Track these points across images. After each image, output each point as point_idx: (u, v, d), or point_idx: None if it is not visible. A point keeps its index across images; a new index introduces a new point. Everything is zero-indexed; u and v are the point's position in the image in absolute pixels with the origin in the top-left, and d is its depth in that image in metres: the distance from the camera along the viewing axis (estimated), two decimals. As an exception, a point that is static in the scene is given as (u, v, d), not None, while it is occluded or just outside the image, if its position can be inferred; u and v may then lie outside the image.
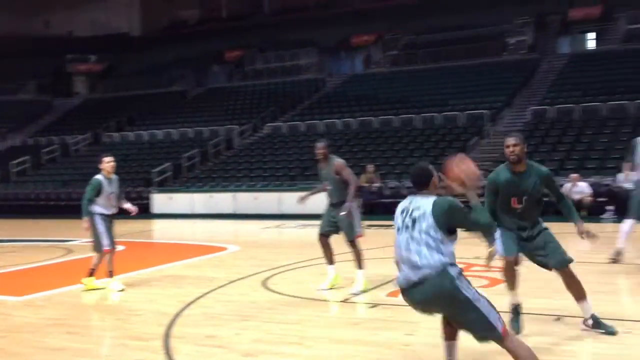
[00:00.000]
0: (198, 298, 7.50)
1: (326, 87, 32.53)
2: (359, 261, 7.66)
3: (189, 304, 7.16)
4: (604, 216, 15.58)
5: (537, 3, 31.86)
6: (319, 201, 20.37)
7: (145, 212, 22.42)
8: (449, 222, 3.98)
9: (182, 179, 25.15)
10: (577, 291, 5.45)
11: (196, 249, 12.69)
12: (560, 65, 28.28)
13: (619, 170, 16.13)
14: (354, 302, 7.13)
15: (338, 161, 7.70)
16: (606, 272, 8.72)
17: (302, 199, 8.11)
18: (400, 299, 7.14)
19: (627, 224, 9.07)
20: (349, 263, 7.98)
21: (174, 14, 46.76)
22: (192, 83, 36.56)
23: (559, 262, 5.40)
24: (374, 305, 6.88)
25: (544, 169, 5.46)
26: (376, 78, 31.36)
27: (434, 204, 4.01)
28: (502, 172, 5.43)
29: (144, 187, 24.11)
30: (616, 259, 9.13)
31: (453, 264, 3.97)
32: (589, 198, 16.03)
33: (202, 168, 26.03)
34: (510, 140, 5.37)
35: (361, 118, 26.30)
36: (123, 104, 35.18)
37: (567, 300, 5.77)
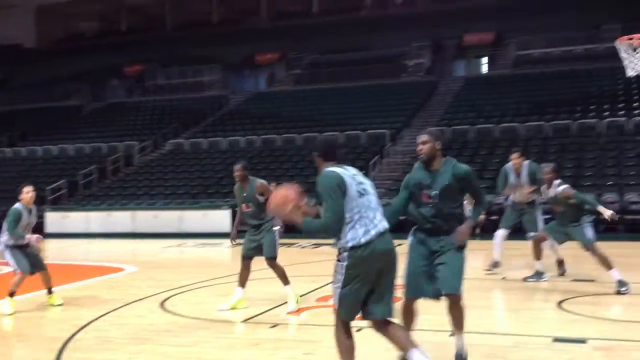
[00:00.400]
0: (92, 321, 7.22)
1: (229, 105, 32.39)
2: (284, 278, 7.67)
3: (82, 328, 6.88)
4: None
5: (434, 27, 33.13)
6: (220, 219, 20.17)
7: (37, 232, 21.44)
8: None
9: (77, 197, 24.25)
10: (458, 322, 5.08)
11: (91, 270, 12.24)
12: (456, 87, 29.46)
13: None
14: (255, 323, 7.08)
15: (260, 182, 7.72)
16: (489, 288, 9.10)
17: (233, 238, 7.97)
18: (301, 317, 7.19)
19: (499, 234, 9.92)
20: (251, 282, 7.92)
21: (71, 26, 45.29)
22: (89, 97, 35.44)
23: (450, 288, 4.89)
24: (274, 325, 6.85)
25: (462, 167, 5.00)
26: (280, 96, 31.54)
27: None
28: (416, 170, 5.15)
29: (37, 206, 23.01)
30: (491, 269, 10.00)
31: None
32: (482, 216, 16.66)
33: (99, 185, 25.20)
34: (420, 138, 5.04)
35: (265, 136, 26.33)
36: (16, 118, 33.60)
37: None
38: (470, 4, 33.66)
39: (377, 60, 32.58)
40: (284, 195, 4.27)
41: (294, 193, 4.26)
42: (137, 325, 7.05)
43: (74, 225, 21.50)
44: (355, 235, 4.20)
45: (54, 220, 21.84)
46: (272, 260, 7.68)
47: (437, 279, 4.90)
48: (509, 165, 9.69)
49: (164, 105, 32.89)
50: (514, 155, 9.64)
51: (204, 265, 13.19)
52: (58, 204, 23.41)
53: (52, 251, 17.82)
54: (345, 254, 4.22)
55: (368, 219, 4.27)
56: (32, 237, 8.08)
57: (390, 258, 4.31)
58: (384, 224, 4.34)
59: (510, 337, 6.23)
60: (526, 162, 9.64)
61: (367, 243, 4.20)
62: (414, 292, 5.01)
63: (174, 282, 9.98)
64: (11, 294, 7.85)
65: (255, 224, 7.76)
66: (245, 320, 7.15)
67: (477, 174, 20.14)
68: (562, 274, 9.52)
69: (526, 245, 9.65)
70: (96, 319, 7.36)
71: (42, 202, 23.27)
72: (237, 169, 7.78)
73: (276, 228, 7.77)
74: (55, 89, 35.47)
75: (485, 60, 33.45)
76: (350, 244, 4.20)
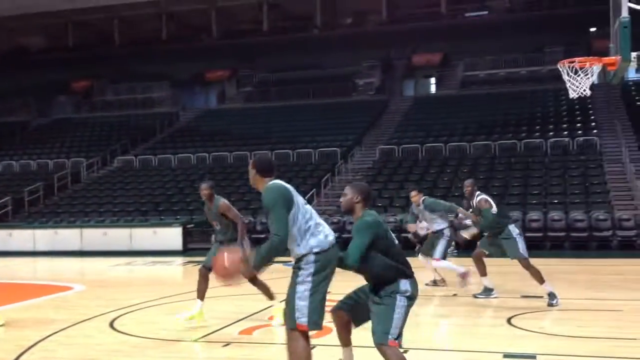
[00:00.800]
0: (38, 342, 7.02)
1: (180, 121, 32.12)
2: (268, 294, 7.66)
3: (27, 349, 6.68)
4: (448, 251, 16.42)
5: (384, 48, 33.61)
6: (171, 237, 19.85)
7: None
8: None
9: (23, 214, 23.60)
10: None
11: (37, 289, 11.90)
12: (405, 107, 29.90)
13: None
14: (207, 342, 7.00)
15: (223, 202, 7.73)
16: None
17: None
18: (253, 335, 7.15)
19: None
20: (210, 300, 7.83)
21: (14, 40, 44.29)
22: (34, 113, 34.65)
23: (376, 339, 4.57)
24: (227, 344, 6.79)
25: (366, 219, 4.70)
26: (230, 114, 31.44)
27: None
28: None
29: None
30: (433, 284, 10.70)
31: None
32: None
33: (46, 202, 24.59)
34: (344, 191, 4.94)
35: (215, 153, 26.18)
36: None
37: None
38: (419, 26, 34.32)
39: (327, 79, 32.83)
40: (226, 267, 4.38)
41: (233, 258, 4.37)
42: (86, 345, 6.89)
43: (19, 243, 20.84)
44: (319, 241, 4.37)
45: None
46: (254, 278, 7.66)
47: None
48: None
49: (112, 121, 32.40)
50: (413, 193, 10.73)
51: (154, 283, 12.98)
52: (2, 222, 22.74)
53: (-5, 270, 17.27)
54: (311, 259, 4.32)
55: (322, 225, 4.46)
56: None
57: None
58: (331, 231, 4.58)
59: (461, 353, 6.32)
60: (424, 198, 10.65)
61: (332, 246, 4.40)
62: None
63: (124, 301, 9.79)
64: None
65: (220, 240, 7.78)
66: (197, 340, 7.06)
67: (428, 192, 20.45)
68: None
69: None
70: (43, 339, 7.16)
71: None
72: (203, 188, 7.84)
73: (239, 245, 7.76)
74: (-1, 104, 34.59)
75: (433, 80, 34.08)
76: (316, 250, 4.34)
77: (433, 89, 33.94)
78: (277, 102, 31.43)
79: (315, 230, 4.39)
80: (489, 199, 9.08)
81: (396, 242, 4.80)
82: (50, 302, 10.36)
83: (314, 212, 4.53)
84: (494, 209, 8.91)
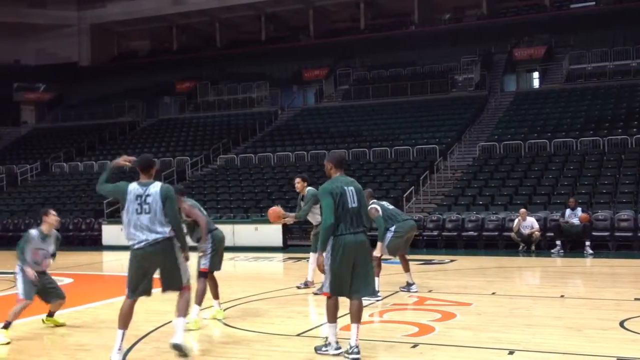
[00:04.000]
0: (150, 332, 7.32)
1: (278, 120, 32.66)
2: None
3: (140, 339, 6.99)
4: (553, 251, 15.91)
5: (484, 42, 32.85)
6: (271, 234, 20.06)
7: (95, 244, 21.90)
8: (166, 206, 5.93)
9: (131, 211, 24.67)
10: None
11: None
12: (507, 102, 29.08)
13: (565, 205, 16.61)
14: (310, 337, 7.06)
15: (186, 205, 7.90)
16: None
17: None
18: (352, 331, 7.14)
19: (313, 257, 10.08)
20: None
21: (124, 45, 46.48)
22: (142, 114, 36.22)
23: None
24: (327, 339, 6.80)
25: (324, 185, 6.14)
26: (328, 112, 31.66)
27: (160, 189, 5.97)
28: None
29: (94, 219, 23.58)
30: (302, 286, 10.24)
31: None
32: (538, 233, 16.36)
33: (153, 200, 25.61)
34: None
35: (313, 151, 26.44)
36: (72, 134, 34.58)
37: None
38: (521, 19, 33.34)
39: (425, 75, 32.45)
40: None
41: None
42: (196, 336, 7.12)
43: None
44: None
45: (110, 233, 21.98)
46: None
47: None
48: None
49: (214, 121, 33.38)
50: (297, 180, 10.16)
51: (256, 278, 13.27)
52: (114, 217, 23.88)
53: (109, 263, 18.18)
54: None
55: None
56: (28, 271, 7.48)
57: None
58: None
59: (572, 356, 6.07)
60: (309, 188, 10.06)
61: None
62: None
63: (229, 294, 10.02)
64: (6, 326, 7.22)
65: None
66: (299, 334, 7.15)
67: (531, 190, 19.89)
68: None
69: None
70: (154, 329, 7.47)
71: (98, 216, 23.85)
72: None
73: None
74: (110, 106, 36.38)
75: (535, 75, 32.98)
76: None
77: (536, 83, 32.85)
78: (374, 100, 31.37)
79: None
80: (379, 207, 9.35)
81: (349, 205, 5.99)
82: (159, 295, 10.74)
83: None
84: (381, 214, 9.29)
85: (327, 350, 6.09)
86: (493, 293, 9.79)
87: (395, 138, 26.14)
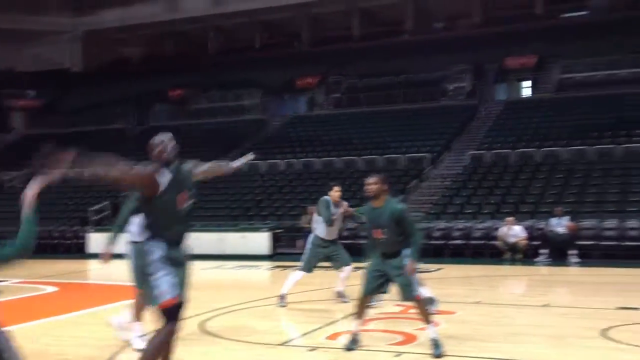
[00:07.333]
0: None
1: (269, 128, 32.67)
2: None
3: (118, 351, 6.96)
4: (538, 259, 15.98)
5: (475, 51, 32.98)
6: (259, 242, 20.07)
7: (80, 252, 21.82)
8: None
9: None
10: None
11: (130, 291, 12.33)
12: (497, 111, 29.19)
13: (552, 214, 16.70)
14: (294, 346, 7.06)
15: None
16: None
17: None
18: (338, 341, 7.16)
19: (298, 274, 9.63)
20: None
21: (116, 51, 46.42)
22: (133, 121, 36.15)
23: (405, 297, 6.57)
24: (313, 349, 6.82)
25: (398, 206, 6.57)
26: (319, 120, 31.70)
27: None
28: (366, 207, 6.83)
29: (80, 227, 23.52)
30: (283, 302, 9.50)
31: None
32: (524, 241, 16.43)
33: (142, 207, 25.55)
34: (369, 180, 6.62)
35: (304, 159, 26.45)
36: (62, 141, 34.36)
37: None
38: (512, 28, 33.47)
39: (417, 83, 32.53)
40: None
41: None
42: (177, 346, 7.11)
43: (117, 246, 21.72)
44: None
45: (96, 241, 22.02)
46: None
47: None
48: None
49: (205, 128, 33.34)
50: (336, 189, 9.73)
51: (243, 287, 13.26)
52: (101, 225, 23.83)
53: (95, 272, 18.11)
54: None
55: None
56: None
57: None
58: None
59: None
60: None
61: None
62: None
63: (213, 303, 10.01)
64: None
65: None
66: (284, 343, 7.14)
67: (518, 199, 19.96)
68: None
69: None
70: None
71: (84, 224, 23.79)
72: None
73: None
74: (101, 113, 36.31)
75: (526, 84, 33.11)
76: None
77: (527, 92, 32.98)
78: (365, 108, 31.41)
79: None
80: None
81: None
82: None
83: None
84: None
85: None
86: (478, 302, 9.82)
87: (385, 146, 26.19)
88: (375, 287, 6.71)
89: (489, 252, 17.15)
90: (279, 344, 7.14)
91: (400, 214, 6.44)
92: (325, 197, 9.53)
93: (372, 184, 6.53)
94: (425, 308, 6.63)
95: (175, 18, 41.73)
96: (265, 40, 42.70)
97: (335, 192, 9.50)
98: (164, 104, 37.27)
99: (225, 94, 36.01)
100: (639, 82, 27.60)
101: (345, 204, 9.58)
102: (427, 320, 6.52)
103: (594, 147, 22.54)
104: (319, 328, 7.78)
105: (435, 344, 6.38)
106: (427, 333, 6.51)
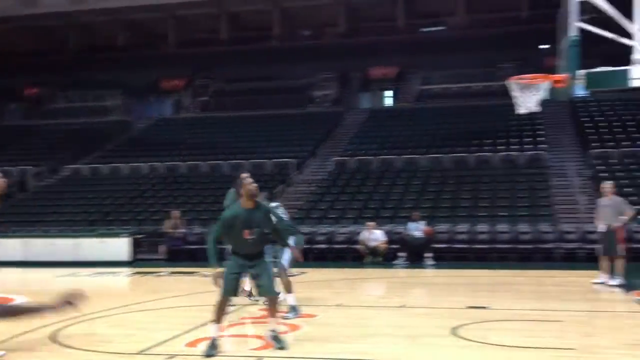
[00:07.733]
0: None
1: (133, 130, 31.68)
2: None
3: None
4: (396, 262, 16.61)
5: (340, 60, 33.79)
6: (118, 247, 19.34)
7: None
8: None
9: (-34, 223, 22.90)
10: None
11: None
12: (361, 119, 30.08)
13: (410, 219, 17.44)
14: (152, 354, 6.87)
15: None
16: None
17: None
18: (198, 348, 7.04)
19: None
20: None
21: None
22: (-18, 120, 33.78)
23: (266, 292, 6.82)
24: (171, 357, 6.67)
25: (269, 204, 7.17)
26: (185, 123, 31.19)
27: None
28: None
29: None
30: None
31: None
32: (384, 245, 17.02)
33: (-10, 211, 23.93)
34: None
35: (168, 163, 25.89)
36: None
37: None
38: (376, 40, 34.60)
39: (284, 90, 32.85)
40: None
41: None
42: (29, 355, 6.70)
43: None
44: None
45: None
46: None
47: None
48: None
49: (63, 129, 31.75)
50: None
51: (100, 295, 12.69)
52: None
53: None
54: None
55: None
56: None
57: None
58: None
59: (405, 363, 6.31)
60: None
61: None
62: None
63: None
64: None
65: None
66: (141, 352, 6.94)
67: (379, 204, 20.67)
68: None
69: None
70: None
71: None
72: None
73: None
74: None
75: (388, 93, 34.40)
76: None
77: (389, 101, 34.25)
78: (233, 112, 31.29)
79: None
80: None
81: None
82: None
83: None
84: None
85: None
86: (339, 304, 10.04)
87: (252, 151, 26.18)
88: (234, 288, 6.76)
89: (351, 256, 17.59)
90: (135, 353, 6.91)
91: (273, 210, 7.03)
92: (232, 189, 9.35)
93: (254, 182, 6.77)
94: (276, 306, 6.94)
95: (33, 13, 39.40)
96: (129, 39, 41.35)
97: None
98: (18, 102, 35.12)
99: (86, 93, 34.53)
100: (491, 95, 29.49)
101: None
102: (274, 316, 6.87)
103: (449, 155, 23.80)
104: (179, 335, 7.62)
105: (276, 339, 6.79)
106: (269, 326, 6.88)
